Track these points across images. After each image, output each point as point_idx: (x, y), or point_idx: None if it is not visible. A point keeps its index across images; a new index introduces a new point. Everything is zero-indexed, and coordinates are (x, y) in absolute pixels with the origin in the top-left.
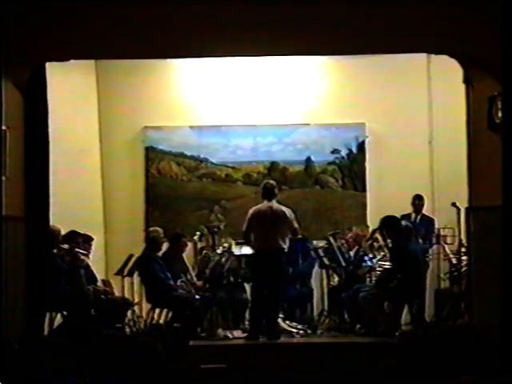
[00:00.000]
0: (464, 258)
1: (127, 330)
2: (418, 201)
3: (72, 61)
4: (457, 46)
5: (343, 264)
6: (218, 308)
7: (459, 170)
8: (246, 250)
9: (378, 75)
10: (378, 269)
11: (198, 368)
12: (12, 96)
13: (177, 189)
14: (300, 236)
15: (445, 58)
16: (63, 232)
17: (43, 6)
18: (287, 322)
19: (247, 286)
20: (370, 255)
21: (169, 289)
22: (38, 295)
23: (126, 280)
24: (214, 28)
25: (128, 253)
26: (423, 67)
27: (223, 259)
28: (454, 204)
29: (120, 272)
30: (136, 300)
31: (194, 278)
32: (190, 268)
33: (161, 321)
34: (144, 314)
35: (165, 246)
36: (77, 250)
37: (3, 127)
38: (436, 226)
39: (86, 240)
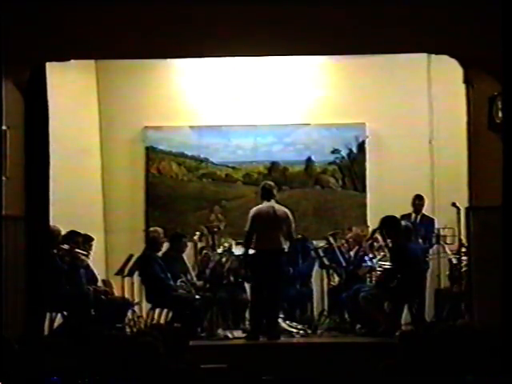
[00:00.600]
0: (464, 257)
1: (127, 330)
2: (418, 201)
3: (72, 61)
4: (457, 45)
5: (343, 264)
6: (218, 308)
7: (459, 170)
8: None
9: (378, 75)
10: (378, 269)
11: (198, 368)
12: (12, 96)
13: (177, 189)
14: (300, 236)
15: (445, 57)
16: (63, 232)
17: (43, 6)
18: (287, 321)
19: (247, 286)
20: (370, 255)
21: (169, 289)
22: (37, 295)
23: (126, 280)
24: (214, 28)
25: (128, 253)
26: (423, 67)
27: (223, 259)
28: (454, 204)
29: (120, 272)
30: (136, 300)
31: (194, 278)
32: (190, 268)
33: (161, 321)
34: (144, 314)
35: (165, 246)
36: (77, 250)
37: (3, 127)
38: (436, 226)
39: (86, 240)
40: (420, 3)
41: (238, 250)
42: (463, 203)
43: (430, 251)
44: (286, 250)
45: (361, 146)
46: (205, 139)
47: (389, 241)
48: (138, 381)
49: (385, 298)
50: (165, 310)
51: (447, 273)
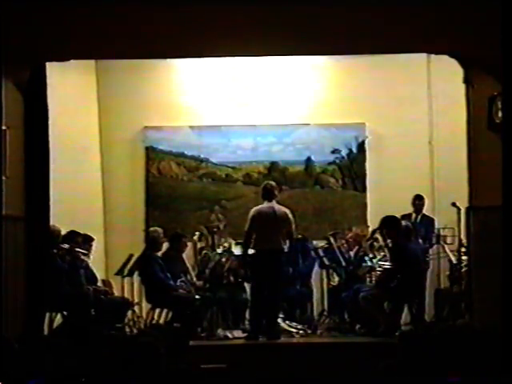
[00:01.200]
0: (464, 257)
1: (127, 330)
2: (418, 201)
3: (72, 61)
4: (457, 45)
5: (343, 264)
6: (218, 308)
7: (459, 170)
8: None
9: (378, 75)
10: (378, 269)
11: (198, 368)
12: (12, 96)
13: (177, 189)
14: (300, 236)
15: (445, 57)
16: (63, 232)
17: (43, 6)
18: (287, 322)
19: (247, 286)
20: (370, 255)
21: (169, 289)
22: (37, 295)
23: (126, 280)
24: (214, 28)
25: (128, 253)
26: (423, 67)
27: (223, 259)
28: (454, 204)
29: (120, 272)
30: (136, 300)
31: (194, 278)
32: (190, 268)
33: (161, 321)
34: (144, 314)
35: (165, 246)
36: (77, 249)
37: (3, 127)
38: (436, 226)
39: (86, 240)
40: (420, 3)
41: (237, 250)
42: (463, 203)
43: (430, 251)
44: (286, 251)
45: (361, 146)
46: (205, 139)
47: (389, 241)
48: (138, 381)
49: (385, 298)
50: (165, 310)
51: (447, 273)
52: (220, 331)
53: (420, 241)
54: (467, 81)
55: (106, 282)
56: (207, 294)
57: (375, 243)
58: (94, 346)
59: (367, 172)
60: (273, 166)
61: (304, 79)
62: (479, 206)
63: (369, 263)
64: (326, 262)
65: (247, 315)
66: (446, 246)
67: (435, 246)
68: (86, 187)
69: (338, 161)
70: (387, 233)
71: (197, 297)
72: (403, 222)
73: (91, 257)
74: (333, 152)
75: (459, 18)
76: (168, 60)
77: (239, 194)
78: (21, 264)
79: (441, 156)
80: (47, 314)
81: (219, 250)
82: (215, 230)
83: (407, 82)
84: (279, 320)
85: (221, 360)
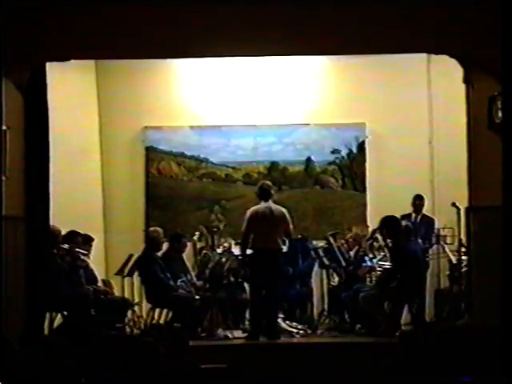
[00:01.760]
0: (464, 257)
1: (127, 330)
2: (418, 201)
3: (72, 61)
4: (457, 45)
5: (343, 264)
6: (218, 308)
7: (459, 170)
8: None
9: (378, 75)
10: (378, 269)
11: (198, 368)
12: (12, 96)
13: (177, 189)
14: (300, 236)
15: (445, 57)
16: (63, 232)
17: (43, 6)
18: (287, 321)
19: (247, 286)
20: (370, 255)
21: (169, 289)
22: (38, 295)
23: (126, 280)
24: (214, 28)
25: (128, 253)
26: (423, 67)
27: (223, 259)
28: (454, 204)
29: (120, 272)
30: (136, 300)
31: (194, 278)
32: (190, 268)
33: (161, 321)
34: (144, 314)
35: (165, 246)
36: (77, 249)
37: (3, 127)
38: (436, 226)
39: (86, 240)
40: (420, 3)
41: (237, 250)
42: (463, 203)
43: (430, 251)
44: (284, 250)
45: (361, 146)
46: (205, 139)
47: (389, 241)
48: (138, 381)
49: (385, 298)
50: (165, 310)
51: (447, 273)
52: (220, 331)
53: (420, 241)
54: (467, 81)
55: (106, 282)
56: (207, 294)
57: (375, 243)
58: (93, 345)
59: (367, 172)
60: (273, 166)
61: (304, 79)
62: (479, 205)
63: (369, 263)
64: (326, 262)
65: (247, 315)
66: (445, 246)
67: (435, 246)
68: (86, 187)
69: (338, 161)
70: (387, 233)
71: (197, 297)
72: (403, 222)
73: (91, 257)
74: (333, 152)
75: (459, 17)
76: (168, 60)
77: (239, 194)
78: (21, 264)
79: (441, 156)
80: (47, 314)
81: (219, 250)
82: (215, 229)
83: (407, 82)
84: (279, 320)
85: (221, 360)
